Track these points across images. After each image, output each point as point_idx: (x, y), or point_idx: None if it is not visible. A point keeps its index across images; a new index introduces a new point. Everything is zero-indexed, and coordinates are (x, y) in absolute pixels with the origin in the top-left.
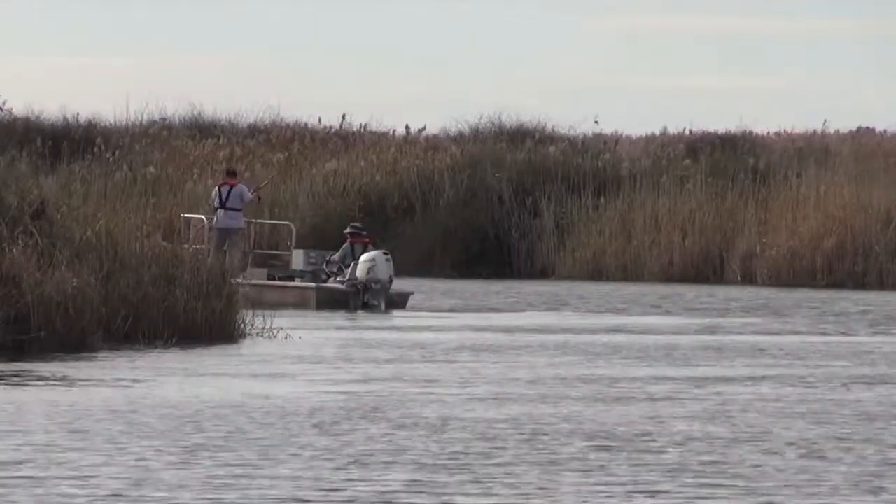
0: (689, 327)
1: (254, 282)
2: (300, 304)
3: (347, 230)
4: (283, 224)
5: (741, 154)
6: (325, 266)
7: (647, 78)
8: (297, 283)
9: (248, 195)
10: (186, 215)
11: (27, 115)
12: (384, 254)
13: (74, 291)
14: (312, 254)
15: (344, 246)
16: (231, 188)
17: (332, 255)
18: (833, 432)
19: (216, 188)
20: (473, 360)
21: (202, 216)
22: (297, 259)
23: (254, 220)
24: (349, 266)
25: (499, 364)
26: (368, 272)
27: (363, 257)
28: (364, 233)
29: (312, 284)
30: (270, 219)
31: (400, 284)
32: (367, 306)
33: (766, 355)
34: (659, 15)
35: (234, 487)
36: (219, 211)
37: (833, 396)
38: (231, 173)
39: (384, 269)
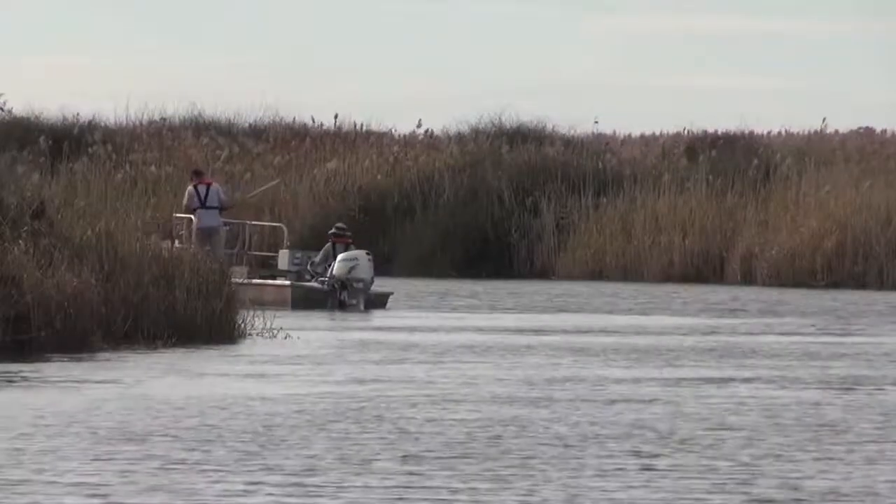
0: (689, 327)
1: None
2: (277, 303)
3: (331, 231)
4: (276, 226)
5: (741, 154)
6: (308, 267)
7: (647, 78)
8: (275, 281)
9: (223, 195)
10: (178, 215)
11: (27, 115)
12: (367, 254)
13: (74, 291)
14: (297, 254)
15: (326, 246)
16: (208, 188)
17: (318, 256)
18: (828, 435)
19: (192, 188)
20: (472, 361)
21: (189, 216)
22: (283, 259)
23: (249, 222)
24: (330, 265)
25: (497, 365)
26: (350, 271)
27: (342, 256)
28: (348, 233)
29: (288, 283)
30: (271, 219)
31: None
32: (343, 305)
33: (765, 356)
34: (659, 15)
35: (230, 490)
36: (199, 210)
37: (831, 398)
38: (199, 173)
39: (366, 268)
